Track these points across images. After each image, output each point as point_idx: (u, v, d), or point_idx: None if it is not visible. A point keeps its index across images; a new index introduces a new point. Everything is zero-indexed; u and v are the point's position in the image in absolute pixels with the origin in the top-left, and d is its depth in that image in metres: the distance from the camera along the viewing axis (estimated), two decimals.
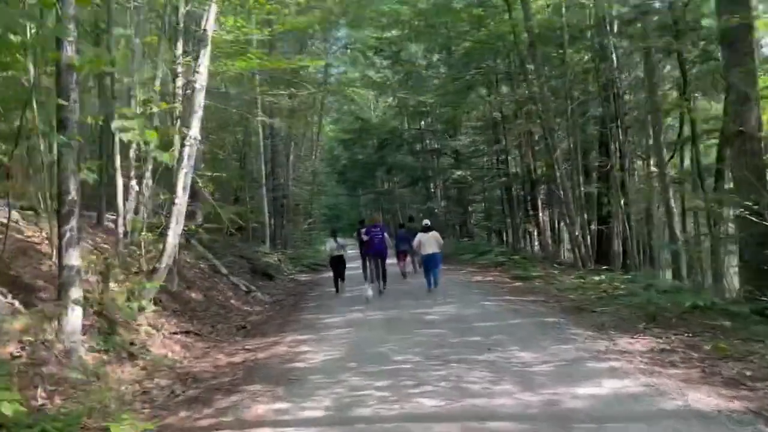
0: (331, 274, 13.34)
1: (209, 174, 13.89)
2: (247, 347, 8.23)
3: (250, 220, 22.14)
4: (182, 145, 8.21)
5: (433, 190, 30.72)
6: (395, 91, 24.72)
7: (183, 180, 8.20)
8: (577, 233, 15.68)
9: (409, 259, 15.71)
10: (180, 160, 8.21)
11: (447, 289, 12.45)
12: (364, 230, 13.00)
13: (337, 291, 12.82)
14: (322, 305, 11.74)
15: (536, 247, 24.42)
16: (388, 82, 26.31)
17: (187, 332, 8.79)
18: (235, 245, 18.90)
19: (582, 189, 18.19)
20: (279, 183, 23.68)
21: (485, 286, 12.73)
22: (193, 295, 10.68)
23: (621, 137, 17.62)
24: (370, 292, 11.56)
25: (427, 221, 12.90)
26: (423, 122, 29.54)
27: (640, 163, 19.50)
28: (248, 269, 16.05)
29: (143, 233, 8.69)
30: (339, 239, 13.01)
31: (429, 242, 11.80)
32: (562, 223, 25.77)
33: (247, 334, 9.41)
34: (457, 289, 12.43)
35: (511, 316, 8.66)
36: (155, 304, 8.78)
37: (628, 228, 15.81)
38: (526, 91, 16.10)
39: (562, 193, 15.22)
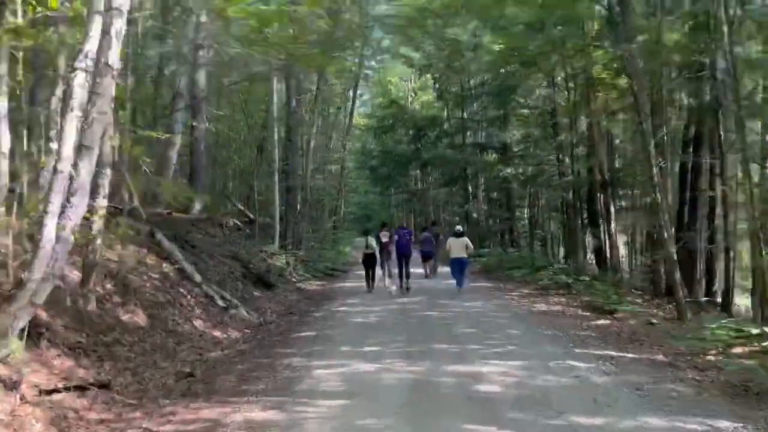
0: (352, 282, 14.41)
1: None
2: (165, 428, 4.69)
3: (258, 212, 19.00)
4: (72, 70, 4.69)
5: (472, 191, 26.79)
6: (438, 65, 20.96)
7: (72, 131, 4.67)
8: (672, 250, 11.71)
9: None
10: (66, 96, 4.70)
11: (503, 322, 8.78)
12: (385, 232, 13.71)
13: (369, 289, 13.21)
14: (323, 336, 8.19)
15: (591, 262, 20.51)
16: (431, 62, 22.65)
17: (81, 387, 5.31)
18: (235, 242, 15.58)
19: (669, 196, 14.26)
20: (295, 172, 20.13)
21: (557, 323, 8.86)
22: (127, 316, 7.18)
23: (723, 132, 13.61)
24: (394, 288, 12.78)
25: (459, 227, 13.79)
26: (466, 112, 25.62)
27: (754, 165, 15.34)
28: (240, 275, 12.59)
29: (5, 218, 5.21)
30: (370, 239, 13.50)
31: (459, 247, 12.57)
32: (625, 237, 21.89)
33: (188, 389, 5.84)
34: (518, 325, 8.66)
35: (638, 405, 4.83)
36: (33, 336, 5.34)
37: (741, 248, 11.77)
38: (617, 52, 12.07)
39: (659, 197, 11.24)
